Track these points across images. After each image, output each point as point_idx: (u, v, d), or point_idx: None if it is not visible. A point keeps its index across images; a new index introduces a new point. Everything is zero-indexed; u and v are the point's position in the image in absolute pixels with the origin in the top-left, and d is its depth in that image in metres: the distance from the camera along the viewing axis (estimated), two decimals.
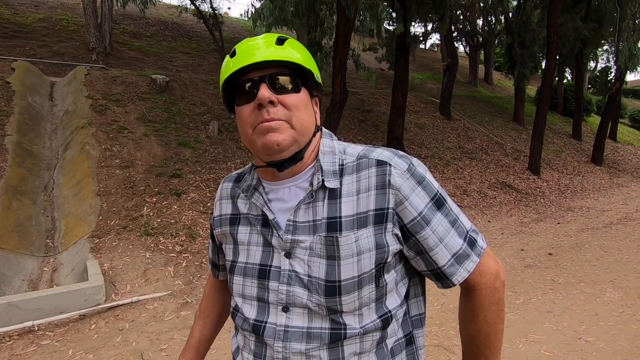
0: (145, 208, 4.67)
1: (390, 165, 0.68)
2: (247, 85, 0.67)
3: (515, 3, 13.29)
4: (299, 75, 0.69)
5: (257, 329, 0.71)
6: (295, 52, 0.68)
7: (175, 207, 4.82)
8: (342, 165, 0.71)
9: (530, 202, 7.90)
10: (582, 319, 3.05)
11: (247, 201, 0.77)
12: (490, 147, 10.46)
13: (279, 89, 0.66)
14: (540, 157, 9.78)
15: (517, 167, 9.75)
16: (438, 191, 0.70)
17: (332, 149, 0.74)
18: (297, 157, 0.70)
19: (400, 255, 0.71)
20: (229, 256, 0.79)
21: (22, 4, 11.28)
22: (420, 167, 0.71)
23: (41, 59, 8.39)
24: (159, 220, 4.52)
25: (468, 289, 0.73)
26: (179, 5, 13.16)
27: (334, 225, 0.68)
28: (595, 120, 16.43)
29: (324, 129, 0.78)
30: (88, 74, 7.39)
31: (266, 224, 0.73)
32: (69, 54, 9.12)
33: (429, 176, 0.71)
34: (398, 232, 0.68)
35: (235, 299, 0.77)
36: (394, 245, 0.68)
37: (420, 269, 0.72)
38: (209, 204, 5.02)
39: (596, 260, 4.53)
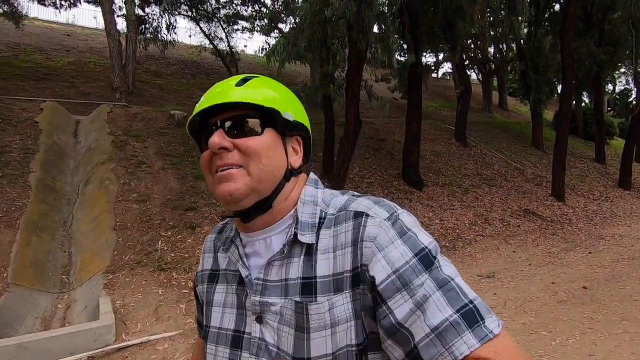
0: (159, 242, 4.65)
1: (368, 215, 0.58)
2: (213, 128, 0.62)
3: (525, 30, 13.41)
4: (262, 116, 0.62)
5: None
6: (255, 91, 0.62)
7: (190, 240, 4.78)
8: (323, 218, 0.62)
9: (557, 230, 7.52)
10: None
11: (225, 255, 0.69)
12: (510, 173, 10.18)
13: (235, 133, 0.60)
14: (564, 182, 9.42)
15: (539, 193, 9.40)
16: (427, 247, 0.55)
17: (314, 198, 0.64)
18: (263, 206, 0.62)
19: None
20: (205, 319, 0.70)
21: (55, 49, 12.13)
22: (407, 217, 0.59)
23: (68, 99, 8.85)
24: (172, 254, 4.48)
25: None
26: (198, 45, 13.88)
27: (309, 286, 0.58)
28: (619, 143, 15.92)
29: (311, 175, 0.69)
30: (111, 111, 7.71)
31: (242, 281, 0.64)
32: (94, 94, 9.61)
33: (417, 229, 0.58)
34: (369, 298, 0.54)
35: None
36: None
37: (393, 356, 0.54)
38: None
39: (638, 295, 4.17)
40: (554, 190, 9.34)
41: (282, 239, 0.63)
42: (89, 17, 17.14)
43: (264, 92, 0.63)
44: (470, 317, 0.50)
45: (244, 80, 0.63)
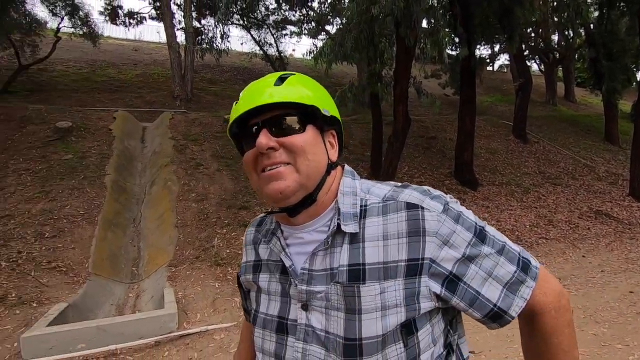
0: (216, 239, 4.94)
1: (423, 208, 0.61)
2: (254, 129, 0.64)
3: (596, 13, 12.14)
4: (302, 114, 0.64)
5: None
6: (294, 89, 0.64)
7: (243, 238, 5.01)
8: (365, 206, 0.64)
9: (636, 234, 6.71)
10: None
11: (267, 246, 0.73)
12: (579, 171, 9.28)
13: (279, 131, 0.63)
14: None
15: (614, 193, 8.45)
16: (476, 223, 0.64)
17: (353, 189, 0.67)
18: (308, 200, 0.65)
19: (438, 308, 0.63)
20: (253, 305, 0.74)
21: (124, 63, 13.40)
22: (455, 204, 0.64)
23: (137, 107, 9.73)
24: (227, 250, 4.74)
25: (532, 315, 0.64)
26: (249, 52, 14.51)
27: (356, 273, 0.60)
28: None
29: (346, 167, 0.71)
30: (172, 118, 8.35)
31: (284, 271, 0.68)
32: (158, 102, 10.45)
33: (464, 210, 0.64)
34: (438, 286, 0.60)
35: (257, 353, 0.72)
36: (426, 303, 0.61)
37: (476, 318, 0.64)
38: None
39: None
40: (633, 189, 8.34)
41: (325, 230, 0.65)
42: (153, 32, 18.79)
43: (302, 89, 0.65)
44: (525, 265, 0.63)
45: (282, 79, 0.65)
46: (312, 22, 13.34)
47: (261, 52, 13.78)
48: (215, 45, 10.85)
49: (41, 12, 20.66)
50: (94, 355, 3.01)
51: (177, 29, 11.83)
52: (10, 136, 6.51)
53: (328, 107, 0.67)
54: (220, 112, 9.50)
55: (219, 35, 10.85)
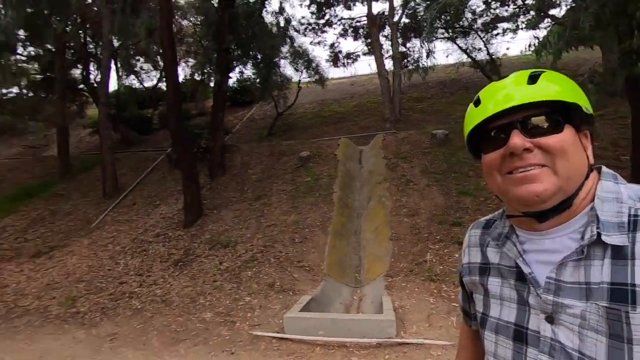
0: (428, 254, 4.95)
1: None
2: (493, 132, 0.61)
3: None
4: (559, 112, 0.59)
5: None
6: (552, 86, 0.59)
7: (457, 255, 4.80)
8: (636, 216, 0.55)
9: None
10: None
11: (498, 250, 0.69)
12: None
13: (533, 132, 0.59)
14: None
15: None
16: None
17: (616, 195, 0.58)
18: (563, 206, 0.59)
19: None
20: (479, 307, 0.73)
21: (344, 97, 15.76)
22: None
23: (354, 133, 11.18)
24: (441, 267, 4.65)
25: None
26: (455, 63, 14.01)
27: (622, 294, 0.53)
28: None
29: (605, 169, 0.61)
30: (384, 139, 9.09)
31: (520, 278, 0.63)
32: (371, 127, 11.64)
33: None
34: None
35: (488, 357, 0.69)
36: None
37: None
38: None
39: None
40: None
41: (575, 238, 0.59)
42: (365, 66, 21.35)
43: (560, 86, 0.60)
44: None
45: (533, 78, 0.61)
46: (531, 12, 11.53)
47: (469, 59, 13.05)
48: (421, 64, 11.16)
49: (288, 70, 27.24)
50: (329, 343, 3.60)
51: (385, 58, 12.91)
52: (272, 166, 8.85)
53: (587, 104, 0.61)
54: (428, 128, 9.58)
55: (424, 55, 11.11)
